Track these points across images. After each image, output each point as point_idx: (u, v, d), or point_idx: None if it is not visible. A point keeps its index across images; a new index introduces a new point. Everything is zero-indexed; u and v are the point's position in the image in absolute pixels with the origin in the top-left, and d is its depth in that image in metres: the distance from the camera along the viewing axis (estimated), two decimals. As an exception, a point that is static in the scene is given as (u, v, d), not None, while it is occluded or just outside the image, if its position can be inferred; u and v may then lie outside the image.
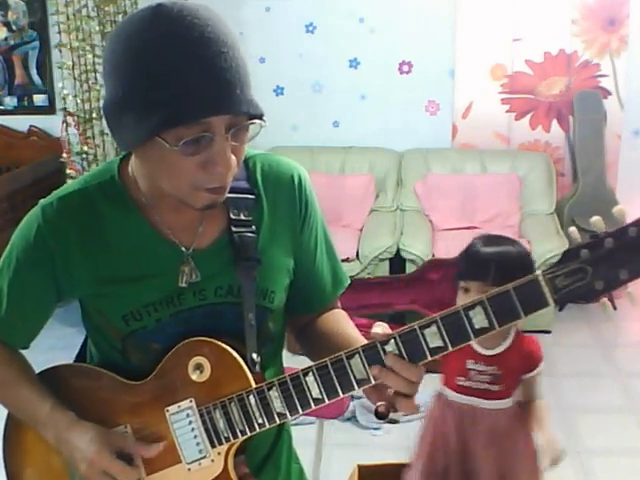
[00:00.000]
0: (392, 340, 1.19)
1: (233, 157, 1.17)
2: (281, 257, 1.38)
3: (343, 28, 5.17)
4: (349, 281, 1.52)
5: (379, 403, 1.26)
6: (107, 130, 4.36)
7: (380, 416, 1.26)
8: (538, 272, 1.11)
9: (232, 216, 1.32)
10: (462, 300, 2.12)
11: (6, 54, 5.48)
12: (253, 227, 1.33)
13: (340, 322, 1.45)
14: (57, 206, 1.30)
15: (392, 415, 1.27)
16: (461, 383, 2.21)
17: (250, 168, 1.37)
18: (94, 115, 4.44)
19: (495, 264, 2.10)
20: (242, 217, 1.33)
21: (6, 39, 5.46)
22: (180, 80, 1.10)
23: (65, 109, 4.42)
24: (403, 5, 5.09)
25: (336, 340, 1.37)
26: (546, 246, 4.45)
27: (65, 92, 4.36)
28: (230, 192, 1.27)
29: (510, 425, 2.24)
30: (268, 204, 1.36)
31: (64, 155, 4.57)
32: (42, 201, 1.33)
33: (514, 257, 2.17)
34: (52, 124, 5.35)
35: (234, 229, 1.32)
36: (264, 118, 1.19)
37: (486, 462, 2.23)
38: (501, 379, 2.20)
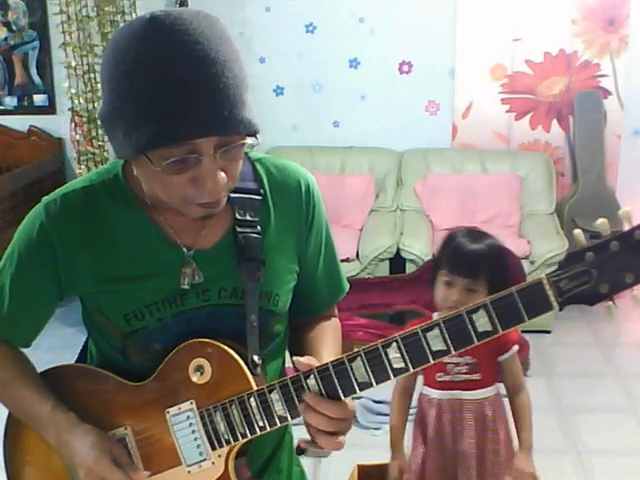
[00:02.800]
0: (394, 343, 1.18)
1: (223, 175, 1.16)
2: (286, 260, 1.38)
3: (343, 28, 5.16)
4: (348, 289, 1.52)
5: (301, 438, 1.27)
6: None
7: (298, 452, 1.28)
8: (542, 275, 1.10)
9: (237, 216, 1.31)
10: (443, 293, 2.15)
11: (6, 54, 5.47)
12: (258, 228, 1.33)
13: (324, 337, 1.44)
14: (60, 203, 1.30)
15: (318, 451, 1.26)
16: (441, 379, 2.22)
17: (258, 170, 1.36)
18: (95, 115, 4.43)
19: (486, 262, 2.13)
20: (248, 217, 1.32)
21: (6, 39, 5.45)
22: (165, 101, 1.09)
23: (72, 109, 4.41)
24: (403, 5, 5.08)
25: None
26: (546, 246, 4.45)
27: (73, 91, 4.35)
28: (237, 192, 1.28)
29: (494, 414, 2.26)
30: (274, 207, 1.36)
31: (74, 155, 4.57)
32: (45, 198, 1.33)
33: (499, 252, 2.21)
34: (52, 124, 5.36)
35: (239, 229, 1.31)
36: (263, 125, 1.18)
37: (470, 454, 2.24)
38: (478, 367, 2.21)
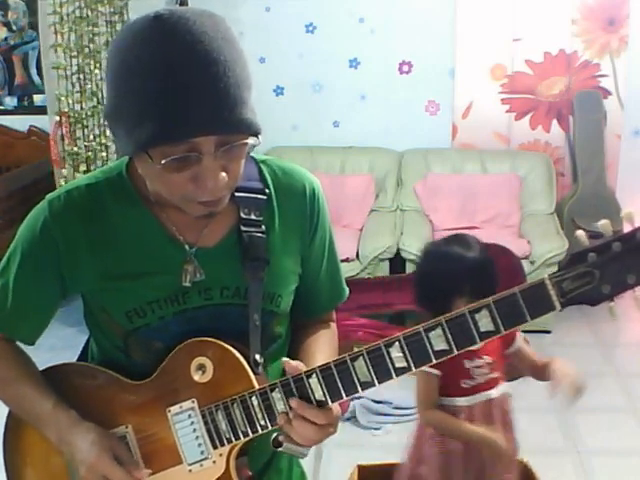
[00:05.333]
0: (396, 342, 1.18)
1: (223, 174, 1.16)
2: (289, 262, 1.38)
3: (343, 28, 5.17)
4: (347, 294, 1.53)
5: (278, 432, 1.27)
6: (96, 131, 4.37)
7: (275, 444, 1.27)
8: (545, 275, 1.11)
9: (242, 215, 1.32)
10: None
11: (6, 54, 5.48)
12: (263, 227, 1.33)
13: (319, 345, 1.45)
14: (64, 200, 1.31)
15: (295, 448, 1.27)
16: (467, 385, 2.21)
17: (263, 171, 1.37)
18: (83, 116, 4.41)
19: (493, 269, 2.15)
20: (252, 217, 1.32)
21: (6, 39, 5.46)
22: (165, 100, 1.09)
23: (60, 109, 4.39)
24: (403, 5, 5.08)
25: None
26: (546, 246, 4.45)
27: (57, 92, 4.33)
28: (242, 191, 1.28)
29: (508, 409, 2.26)
30: (279, 208, 1.36)
31: (55, 156, 4.53)
32: (49, 195, 1.34)
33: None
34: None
35: (243, 228, 1.31)
36: (263, 125, 1.17)
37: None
38: (495, 365, 2.22)
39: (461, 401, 2.23)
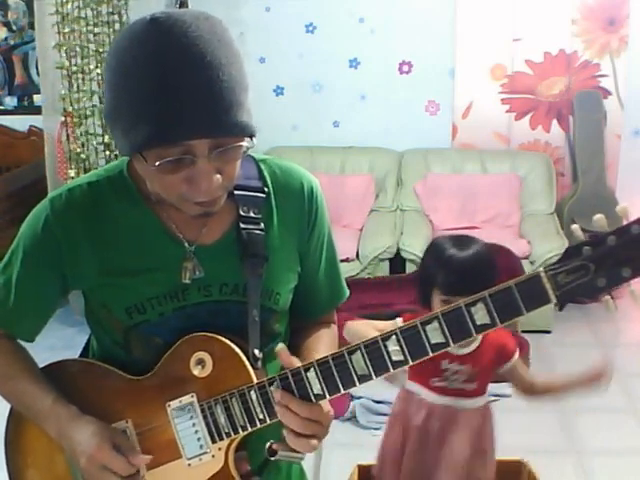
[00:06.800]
0: (393, 336, 1.19)
1: (218, 176, 1.17)
2: (288, 259, 1.39)
3: (343, 28, 5.17)
4: (347, 295, 1.53)
5: (272, 441, 1.27)
6: (91, 130, 4.35)
7: (269, 453, 1.27)
8: (540, 269, 1.11)
9: (241, 213, 1.33)
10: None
11: (6, 54, 5.49)
12: (262, 225, 1.34)
13: (320, 345, 1.44)
14: (65, 198, 1.32)
15: (290, 454, 1.26)
16: (437, 384, 2.18)
17: (262, 170, 1.38)
18: (85, 115, 4.39)
19: (482, 274, 2.04)
20: (252, 214, 1.33)
21: (6, 39, 5.46)
22: (160, 102, 1.10)
23: (64, 109, 4.39)
24: (403, 5, 5.09)
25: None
26: (546, 246, 4.45)
27: (62, 92, 4.32)
28: (241, 189, 1.30)
29: (482, 424, 2.23)
30: (277, 206, 1.37)
31: (58, 156, 4.52)
32: (51, 193, 1.35)
33: (490, 255, 2.17)
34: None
35: (242, 226, 1.32)
36: (262, 125, 1.20)
37: (455, 461, 2.21)
38: (476, 377, 2.18)
39: (427, 396, 2.21)
